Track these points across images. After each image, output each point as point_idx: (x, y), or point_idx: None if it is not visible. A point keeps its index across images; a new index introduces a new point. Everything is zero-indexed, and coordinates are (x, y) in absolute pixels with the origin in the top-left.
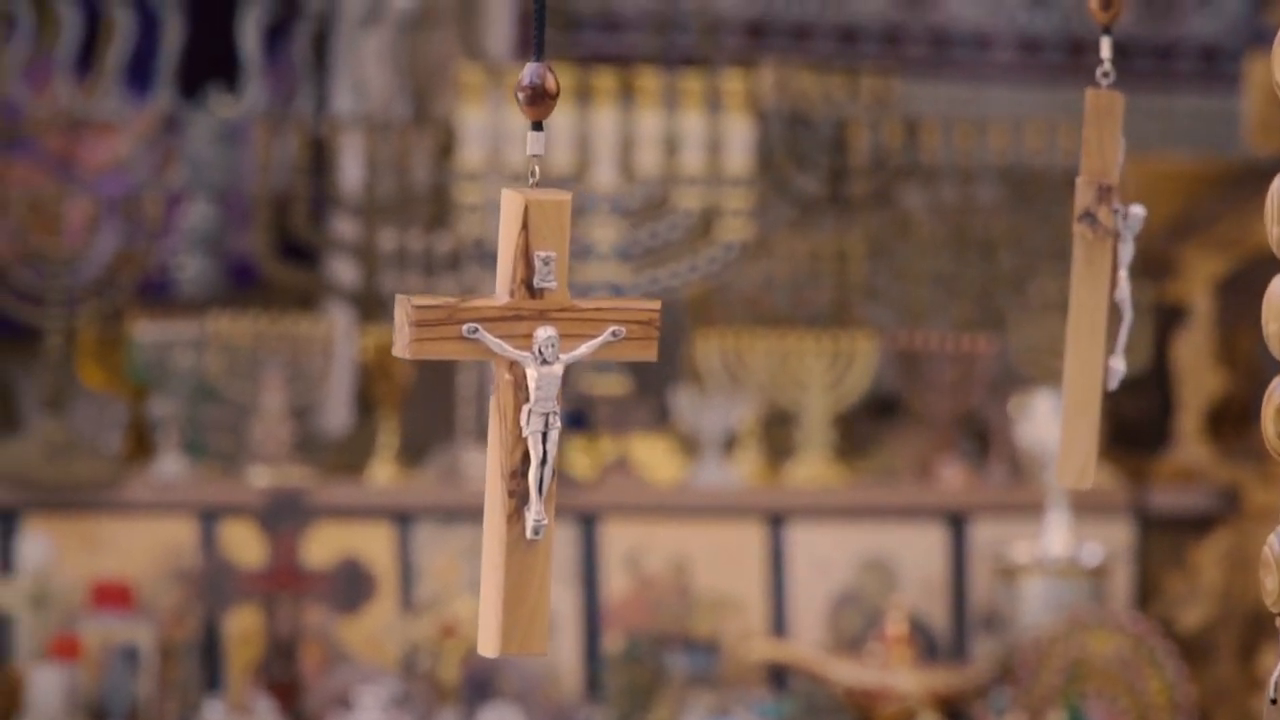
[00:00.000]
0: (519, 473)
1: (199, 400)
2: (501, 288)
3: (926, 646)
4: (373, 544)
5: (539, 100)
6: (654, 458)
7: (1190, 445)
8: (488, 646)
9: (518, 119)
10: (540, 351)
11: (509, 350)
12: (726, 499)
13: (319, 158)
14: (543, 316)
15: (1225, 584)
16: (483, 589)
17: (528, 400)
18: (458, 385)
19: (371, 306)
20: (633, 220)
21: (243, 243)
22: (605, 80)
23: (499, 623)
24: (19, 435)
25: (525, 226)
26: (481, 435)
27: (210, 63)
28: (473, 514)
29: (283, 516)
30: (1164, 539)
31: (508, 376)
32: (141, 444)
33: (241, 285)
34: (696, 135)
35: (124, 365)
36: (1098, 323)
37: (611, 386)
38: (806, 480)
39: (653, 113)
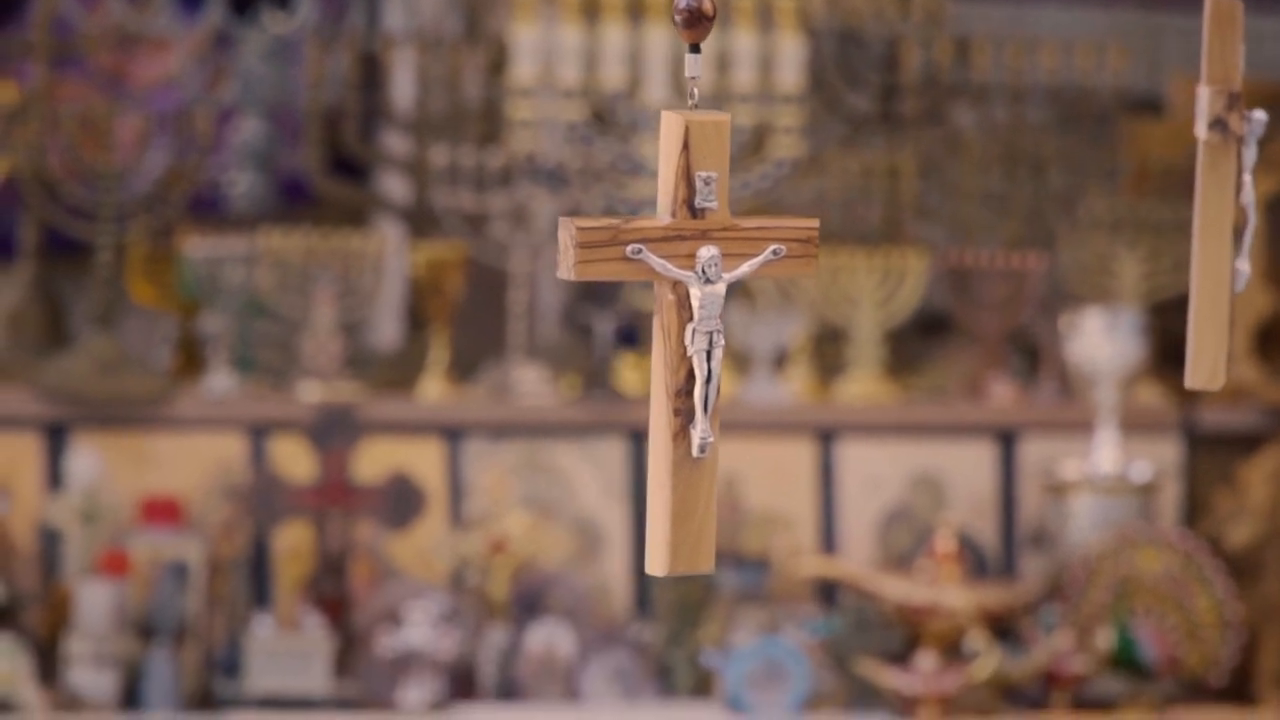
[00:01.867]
0: (684, 391)
1: (249, 316)
2: (663, 208)
3: (976, 563)
4: (422, 460)
5: (696, 23)
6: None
7: (1239, 363)
8: (656, 564)
9: (570, 35)
10: (704, 270)
11: (673, 270)
12: (777, 416)
13: (370, 74)
14: (705, 236)
15: (1273, 501)
16: (650, 507)
17: (691, 319)
18: (508, 301)
19: (422, 222)
20: None
21: (294, 159)
22: None
23: (667, 540)
24: (69, 351)
25: (686, 147)
26: (531, 352)
27: None
28: (522, 430)
29: (333, 432)
30: (1212, 457)
31: (670, 296)
32: (191, 360)
33: (292, 201)
34: (748, 52)
35: (174, 281)
36: (1224, 227)
37: None
38: (857, 397)
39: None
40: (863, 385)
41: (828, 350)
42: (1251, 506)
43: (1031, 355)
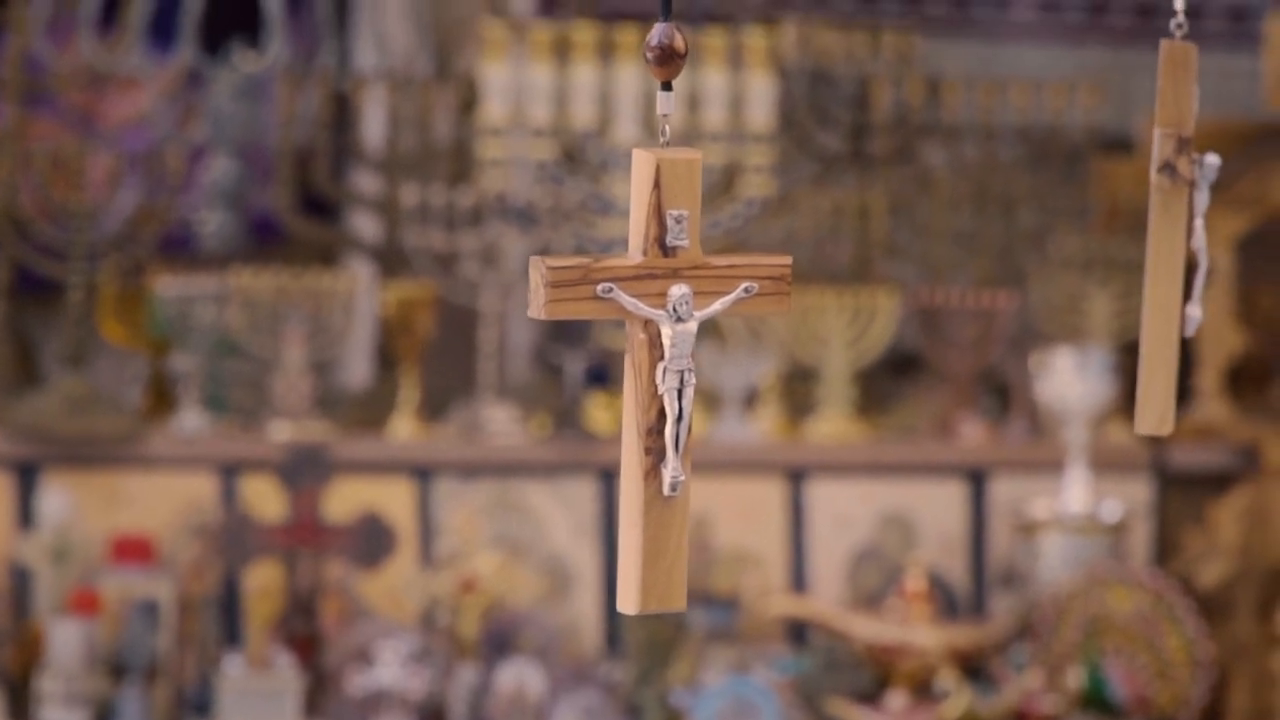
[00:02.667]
0: (655, 430)
1: (220, 355)
2: (634, 246)
3: (946, 603)
4: (393, 499)
5: (669, 60)
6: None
7: (1210, 403)
8: (627, 603)
9: (540, 74)
10: (675, 309)
11: (644, 309)
12: (747, 455)
13: (341, 113)
14: (676, 274)
15: (1244, 541)
16: (621, 546)
17: (663, 358)
18: (479, 340)
19: (393, 262)
20: None
21: (264, 198)
22: (628, 36)
23: (639, 579)
24: (40, 390)
25: (657, 185)
26: (502, 391)
27: (233, 18)
28: (493, 469)
29: (303, 471)
30: (1183, 496)
31: (642, 335)
32: (162, 399)
33: (263, 240)
34: (719, 92)
35: (145, 320)
36: (1175, 271)
37: None
38: (827, 436)
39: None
40: (833, 424)
41: (798, 389)
42: (1222, 546)
43: (1002, 394)
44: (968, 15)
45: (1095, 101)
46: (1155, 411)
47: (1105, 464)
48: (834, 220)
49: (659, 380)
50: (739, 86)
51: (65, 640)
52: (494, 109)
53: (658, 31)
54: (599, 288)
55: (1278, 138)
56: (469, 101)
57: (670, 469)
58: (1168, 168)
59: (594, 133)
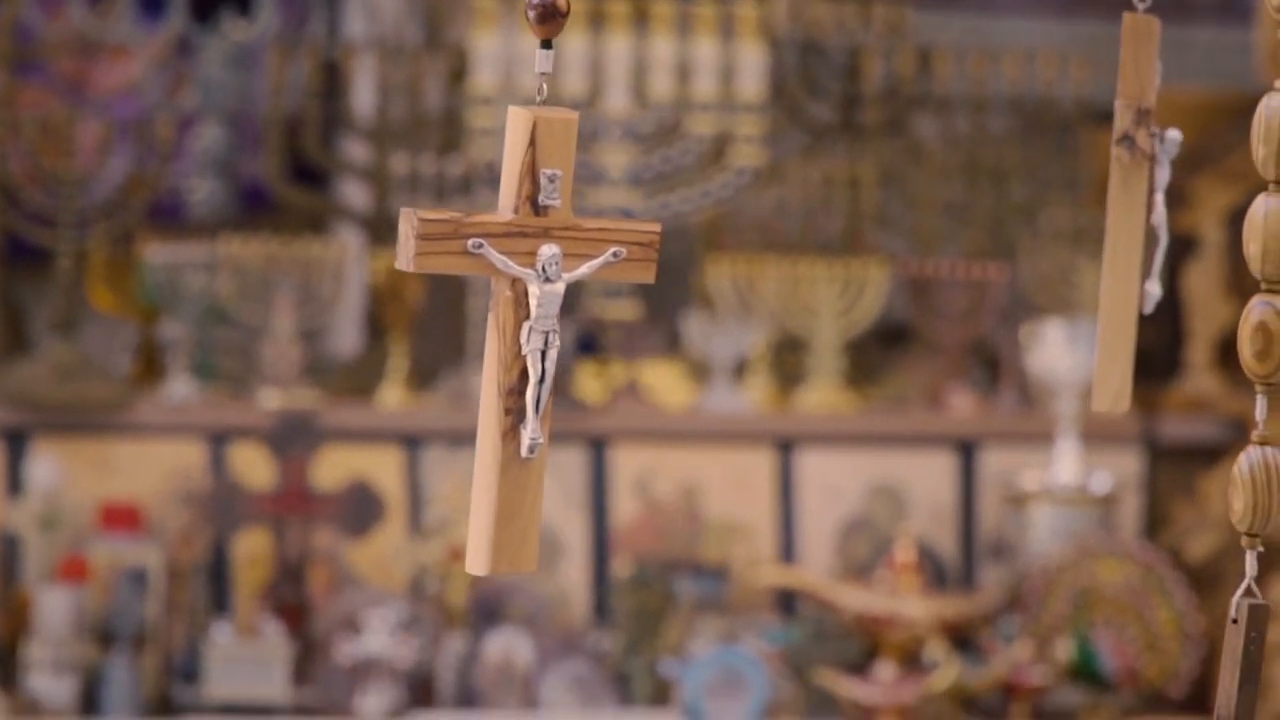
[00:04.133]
0: (516, 390)
1: (209, 323)
2: (506, 204)
3: (935, 574)
4: (382, 467)
5: (549, 18)
6: (664, 383)
7: (1200, 375)
8: (477, 564)
9: (530, 43)
10: (543, 269)
11: (512, 267)
12: (736, 425)
13: (331, 81)
14: (546, 234)
15: None
16: (473, 507)
17: (528, 317)
18: (468, 309)
19: (382, 230)
20: (645, 145)
21: (254, 166)
22: (619, 5)
23: (490, 541)
24: (29, 357)
25: (533, 143)
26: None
27: None
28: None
29: (292, 439)
30: (1173, 468)
31: (508, 293)
32: (151, 366)
33: (253, 208)
34: (709, 61)
35: (134, 287)
36: (1134, 247)
37: (622, 311)
38: (816, 407)
39: (666, 38)
40: (822, 395)
41: (788, 360)
42: (1212, 518)
43: (992, 365)
44: None
45: (1087, 73)
46: (1112, 389)
47: (1095, 436)
48: (824, 191)
49: (524, 340)
50: (730, 56)
51: (54, 608)
52: (483, 78)
53: None
54: (469, 243)
55: None
56: (459, 70)
57: (529, 430)
58: (1126, 140)
59: (584, 102)
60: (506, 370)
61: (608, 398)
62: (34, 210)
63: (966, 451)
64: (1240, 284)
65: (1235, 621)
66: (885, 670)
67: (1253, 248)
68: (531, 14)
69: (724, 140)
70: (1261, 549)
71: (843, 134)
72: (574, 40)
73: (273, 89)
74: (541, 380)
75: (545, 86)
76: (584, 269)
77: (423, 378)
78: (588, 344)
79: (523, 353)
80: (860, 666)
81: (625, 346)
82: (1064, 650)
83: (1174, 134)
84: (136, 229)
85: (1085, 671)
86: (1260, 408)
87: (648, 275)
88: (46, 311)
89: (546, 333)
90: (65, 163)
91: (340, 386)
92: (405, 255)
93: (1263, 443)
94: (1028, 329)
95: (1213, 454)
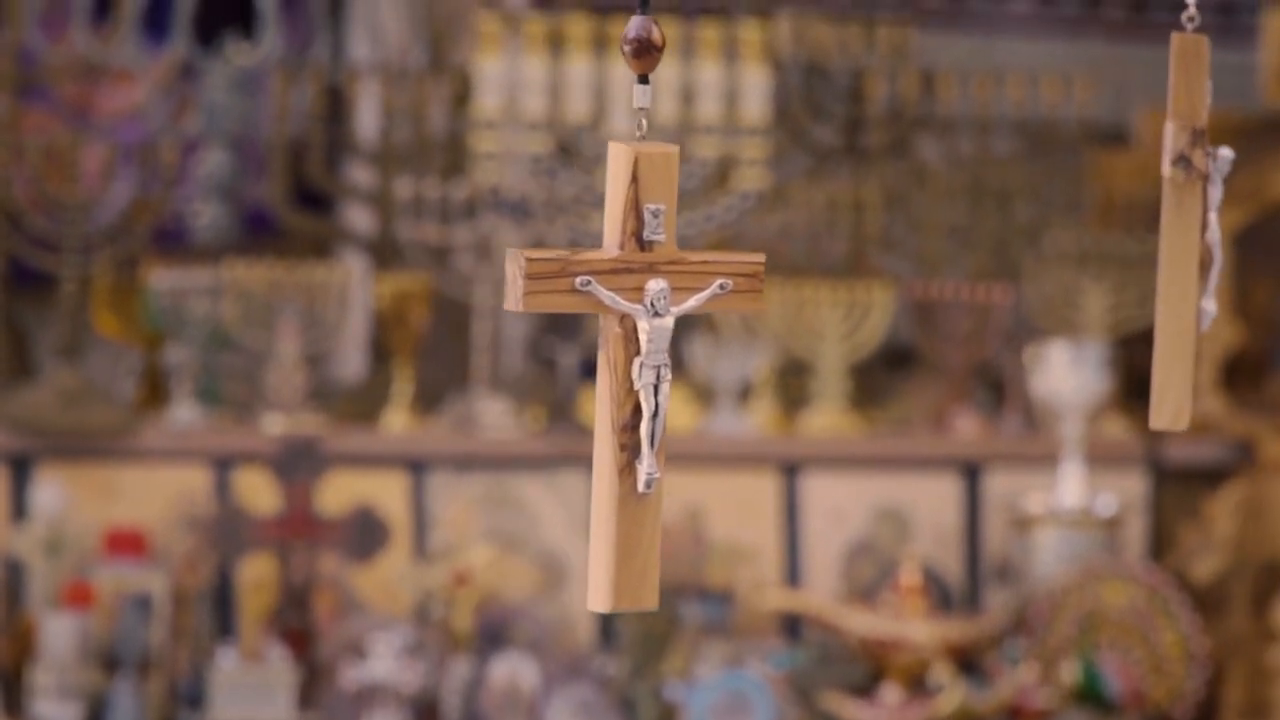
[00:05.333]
0: (630, 426)
1: (214, 348)
2: (611, 241)
3: (940, 597)
4: (386, 492)
5: (645, 53)
6: (669, 406)
7: (1205, 397)
8: (599, 601)
9: (534, 67)
10: (652, 304)
11: (621, 303)
12: (741, 448)
13: (335, 106)
14: (652, 269)
15: (1239, 535)
16: (593, 543)
17: (639, 353)
18: (473, 334)
19: (387, 254)
20: None
21: (258, 190)
22: (622, 29)
23: (611, 577)
24: (33, 382)
25: (635, 179)
26: (495, 384)
27: (227, 10)
28: (487, 462)
29: (297, 464)
30: (1178, 490)
31: (618, 330)
32: (156, 391)
33: (257, 233)
34: (713, 85)
35: (139, 312)
36: (1189, 266)
37: None
38: (821, 430)
39: (669, 62)
40: (827, 418)
41: (792, 383)
42: (1217, 540)
43: (996, 388)
44: (963, 8)
45: (1091, 95)
46: (1171, 407)
47: (1100, 458)
48: (829, 214)
49: (635, 376)
50: (733, 79)
51: (58, 633)
52: (488, 102)
53: (635, 24)
54: (577, 281)
55: (1274, 131)
56: (463, 94)
57: (645, 465)
58: (1182, 160)
59: (588, 126)
60: (619, 406)
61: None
62: (38, 235)
63: (971, 474)
64: (1245, 306)
65: None
66: (890, 693)
67: None
68: (627, 49)
69: (728, 163)
70: None
71: (847, 156)
72: (578, 64)
73: (277, 113)
74: (655, 415)
75: (645, 122)
76: (692, 302)
77: (428, 402)
78: (592, 368)
79: (635, 388)
80: (865, 690)
81: None
82: (1069, 673)
83: (1226, 152)
84: (141, 254)
85: (1091, 694)
86: None
87: (755, 305)
88: (50, 337)
89: (658, 367)
90: (69, 187)
91: (345, 411)
92: (513, 295)
93: None
94: (1032, 351)
95: (1218, 476)
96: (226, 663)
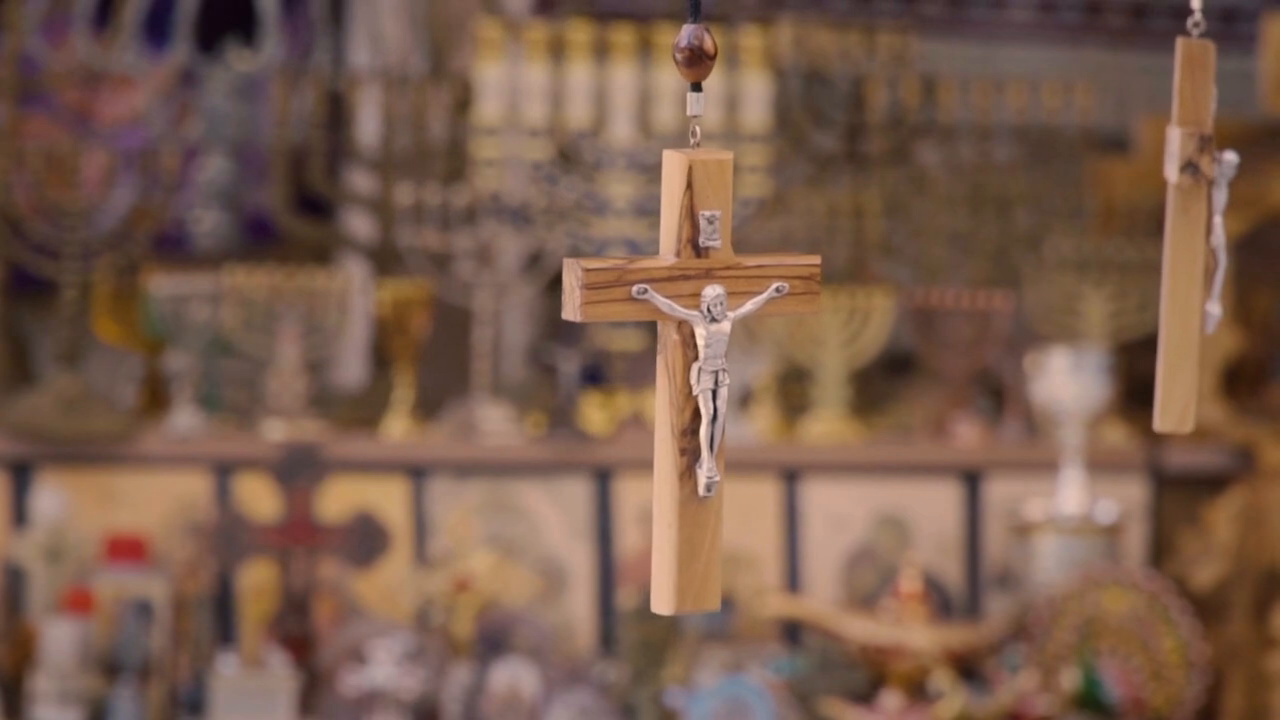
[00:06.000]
0: (690, 430)
1: (214, 354)
2: (667, 248)
3: (940, 603)
4: (387, 498)
5: (698, 61)
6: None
7: (1206, 404)
8: (662, 604)
9: (535, 74)
10: (709, 310)
11: (678, 310)
12: (742, 455)
13: (336, 112)
14: (709, 275)
15: (1239, 542)
16: (655, 546)
17: (697, 358)
18: (473, 340)
19: (388, 261)
20: (650, 176)
21: (259, 197)
22: (623, 36)
23: (674, 580)
24: (34, 388)
25: (690, 186)
26: (496, 390)
27: (228, 17)
28: (487, 469)
29: (297, 470)
30: (1178, 497)
31: (675, 336)
32: (156, 398)
33: (257, 239)
34: (714, 91)
35: (139, 319)
36: (1195, 269)
37: (627, 342)
38: (822, 437)
39: (671, 68)
40: (828, 425)
41: (793, 390)
42: (1217, 547)
43: (997, 395)
44: (963, 15)
45: (1091, 102)
46: (1177, 409)
47: (1100, 465)
48: (829, 220)
49: (694, 381)
50: (734, 86)
51: (59, 639)
52: (489, 108)
53: (687, 33)
54: (634, 289)
55: (1274, 138)
56: (464, 101)
57: (705, 469)
58: (1190, 166)
59: (589, 132)
60: (679, 411)
61: (613, 428)
62: (39, 241)
63: (971, 481)
64: (1245, 313)
65: None
66: (891, 700)
67: None
68: (679, 56)
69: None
70: None
71: (847, 163)
72: (578, 70)
73: (277, 119)
74: (714, 419)
75: (699, 129)
76: (749, 306)
77: (428, 408)
78: (593, 375)
79: (693, 393)
80: (866, 696)
81: (630, 377)
82: (1069, 679)
83: (1231, 157)
84: (141, 260)
85: (1091, 701)
86: None
87: (811, 307)
88: (51, 343)
89: (716, 372)
90: (70, 194)
91: (345, 417)
92: (572, 305)
93: None
94: (1033, 358)
95: (1218, 483)
96: (227, 669)
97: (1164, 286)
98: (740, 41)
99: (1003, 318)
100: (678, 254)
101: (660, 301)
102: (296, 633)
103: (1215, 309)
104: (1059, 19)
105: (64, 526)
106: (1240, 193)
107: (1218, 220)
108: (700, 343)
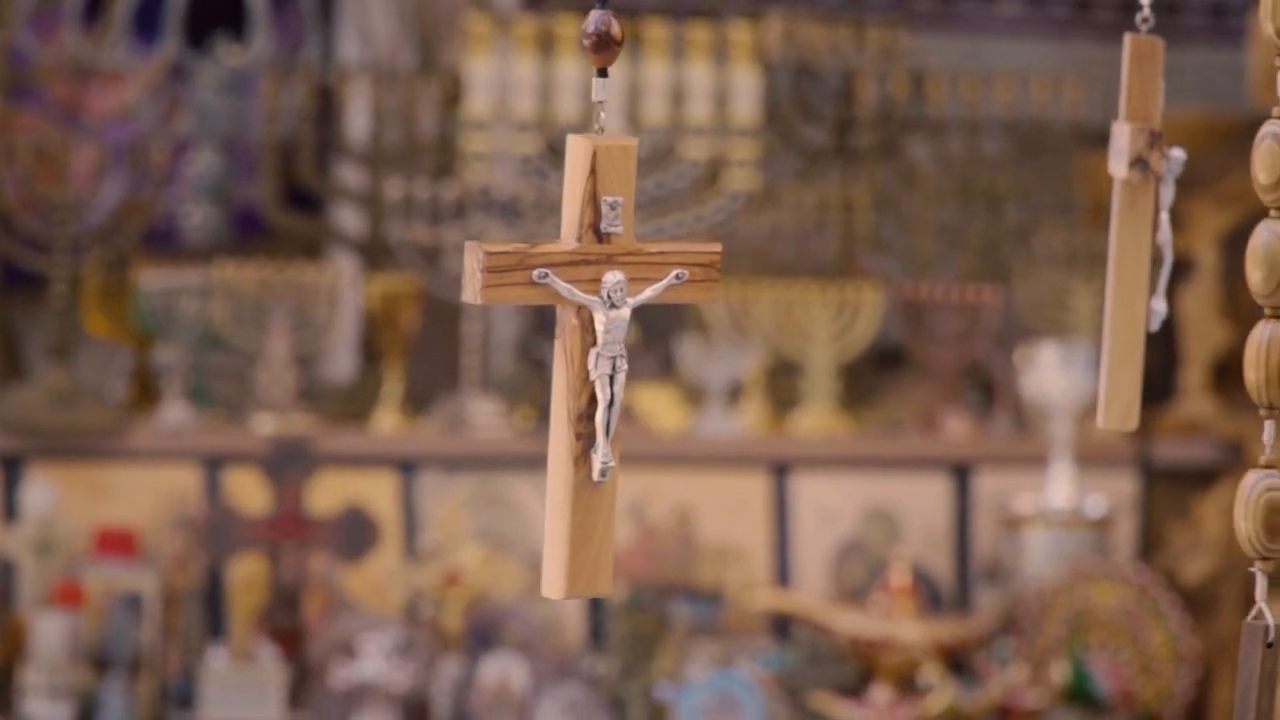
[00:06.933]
0: (586, 415)
1: (204, 348)
2: (568, 233)
3: (930, 597)
4: (377, 492)
5: (604, 47)
6: (659, 407)
7: (1194, 398)
8: (553, 588)
9: (524, 68)
10: (609, 295)
11: (578, 294)
12: (731, 449)
13: (325, 106)
14: (610, 261)
15: (1228, 536)
16: (548, 531)
17: (595, 344)
18: (463, 334)
19: (377, 255)
20: (639, 170)
21: (248, 191)
22: (611, 30)
23: (565, 565)
24: (24, 382)
25: (593, 171)
26: (485, 384)
27: (217, 12)
28: (477, 462)
29: (287, 464)
30: (1168, 491)
31: (574, 321)
32: (146, 392)
33: (247, 233)
34: (703, 86)
35: (129, 313)
36: (1141, 266)
37: None
38: (811, 430)
39: (660, 63)
40: (817, 418)
41: (782, 383)
42: (1207, 541)
43: (986, 389)
44: (953, 9)
45: (1080, 96)
46: (1119, 407)
47: (1090, 459)
48: (818, 215)
49: (591, 366)
50: (723, 80)
51: (48, 633)
52: (478, 103)
53: (594, 18)
54: (534, 273)
55: None
56: (453, 95)
57: (600, 455)
58: (1140, 162)
59: (578, 127)
60: (576, 396)
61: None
62: (28, 236)
63: (961, 475)
64: (1234, 307)
65: (1270, 645)
66: (880, 694)
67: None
68: (586, 43)
69: (718, 164)
70: None
71: (837, 157)
72: (567, 65)
73: (267, 114)
74: (611, 404)
75: (604, 114)
76: (648, 292)
77: (418, 402)
78: None
79: (591, 379)
80: (855, 690)
81: None
82: (1059, 673)
83: (1178, 153)
84: (131, 254)
85: (1080, 694)
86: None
87: (710, 295)
88: (41, 337)
89: (614, 358)
90: (59, 188)
91: (335, 411)
92: (472, 288)
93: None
94: (1022, 352)
95: (1208, 476)
96: (217, 662)
97: (1109, 283)
98: (729, 36)
99: (992, 312)
100: (579, 239)
101: (560, 286)
102: (286, 626)
103: (1161, 305)
104: (1048, 13)
105: (54, 520)
106: (1229, 187)
107: (1164, 217)
108: (599, 328)
